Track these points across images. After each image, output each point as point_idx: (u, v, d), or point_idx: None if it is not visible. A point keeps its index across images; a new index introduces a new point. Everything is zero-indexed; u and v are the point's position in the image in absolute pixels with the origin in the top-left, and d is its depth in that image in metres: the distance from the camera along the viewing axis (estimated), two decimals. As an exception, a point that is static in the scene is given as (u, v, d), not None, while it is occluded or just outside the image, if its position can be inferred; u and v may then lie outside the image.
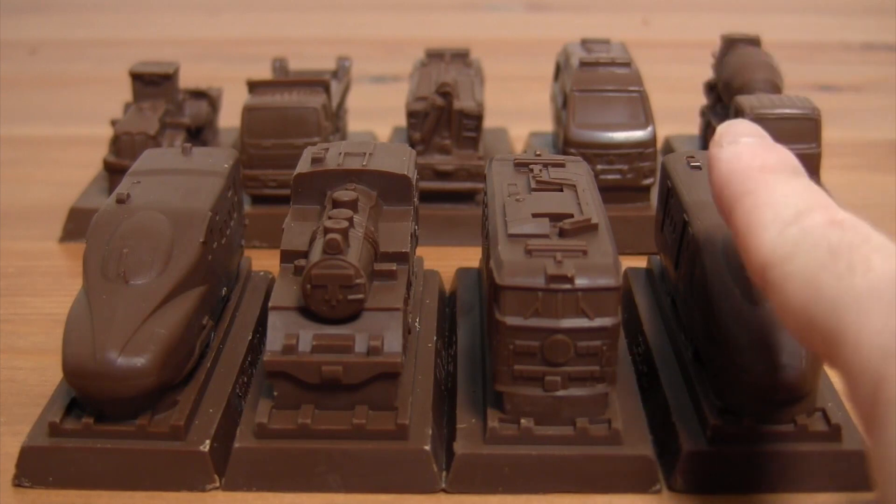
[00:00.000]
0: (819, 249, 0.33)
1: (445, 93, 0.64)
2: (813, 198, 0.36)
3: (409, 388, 0.44)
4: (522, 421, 0.41)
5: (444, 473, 0.42)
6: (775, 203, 0.35)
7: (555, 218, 0.42)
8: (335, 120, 0.67)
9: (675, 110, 0.74)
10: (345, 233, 0.41)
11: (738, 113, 0.62)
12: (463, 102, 0.64)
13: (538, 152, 0.49)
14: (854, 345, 0.30)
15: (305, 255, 0.43)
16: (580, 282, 0.39)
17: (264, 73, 0.72)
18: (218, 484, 0.42)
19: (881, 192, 0.73)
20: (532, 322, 0.40)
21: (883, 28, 1.18)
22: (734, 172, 0.38)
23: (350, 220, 0.42)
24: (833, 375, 0.46)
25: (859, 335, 0.30)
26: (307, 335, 0.41)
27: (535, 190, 0.45)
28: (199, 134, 0.71)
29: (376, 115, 0.81)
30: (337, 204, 0.44)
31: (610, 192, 0.58)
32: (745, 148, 0.38)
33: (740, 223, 0.36)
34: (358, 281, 0.40)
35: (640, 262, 0.56)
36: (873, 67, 1.05)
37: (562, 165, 0.48)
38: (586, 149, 0.62)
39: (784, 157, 0.38)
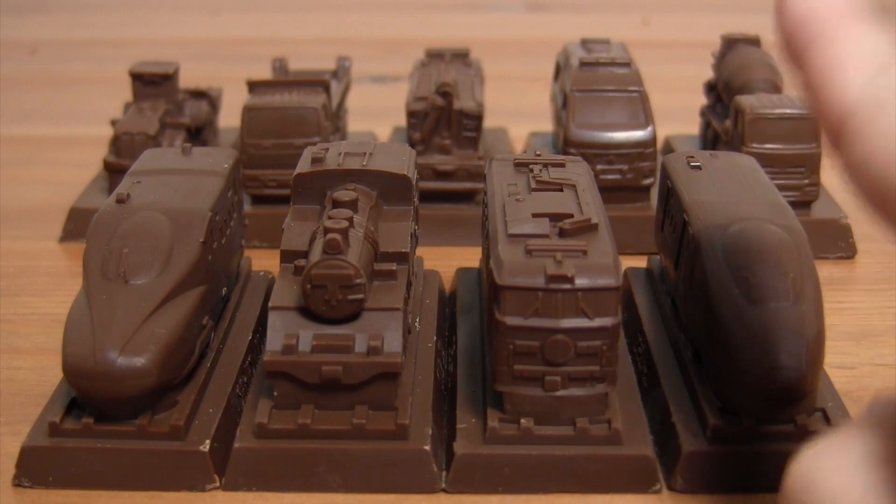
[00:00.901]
0: None
1: (445, 93, 0.64)
2: None
3: (409, 388, 0.44)
4: (522, 421, 0.41)
5: (444, 473, 0.42)
6: (861, 49, 0.32)
7: (555, 218, 0.42)
8: (335, 120, 0.67)
9: (675, 110, 0.74)
10: (345, 233, 0.41)
11: (738, 113, 0.62)
12: (463, 102, 0.64)
13: (538, 152, 0.49)
14: None
15: (305, 255, 0.43)
16: (580, 282, 0.39)
17: (264, 73, 0.72)
18: (218, 484, 0.42)
19: (881, 192, 0.72)
20: (532, 322, 0.40)
21: (883, 28, 1.18)
22: (811, 12, 0.33)
23: (350, 220, 0.42)
24: (833, 375, 0.46)
25: None
26: (307, 335, 0.41)
27: (535, 190, 0.45)
28: (199, 134, 0.71)
29: (376, 115, 0.81)
30: (337, 204, 0.44)
31: (610, 192, 0.58)
32: None
33: (815, 67, 0.32)
34: (358, 281, 0.40)
35: (640, 262, 0.56)
36: (873, 67, 1.05)
37: (562, 165, 0.48)
38: (586, 149, 0.62)
39: (866, 5, 0.34)
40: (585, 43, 0.71)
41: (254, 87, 0.65)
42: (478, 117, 0.65)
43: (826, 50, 0.33)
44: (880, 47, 0.32)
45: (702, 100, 0.73)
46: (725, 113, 0.68)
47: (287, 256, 0.44)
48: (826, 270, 0.54)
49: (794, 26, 0.34)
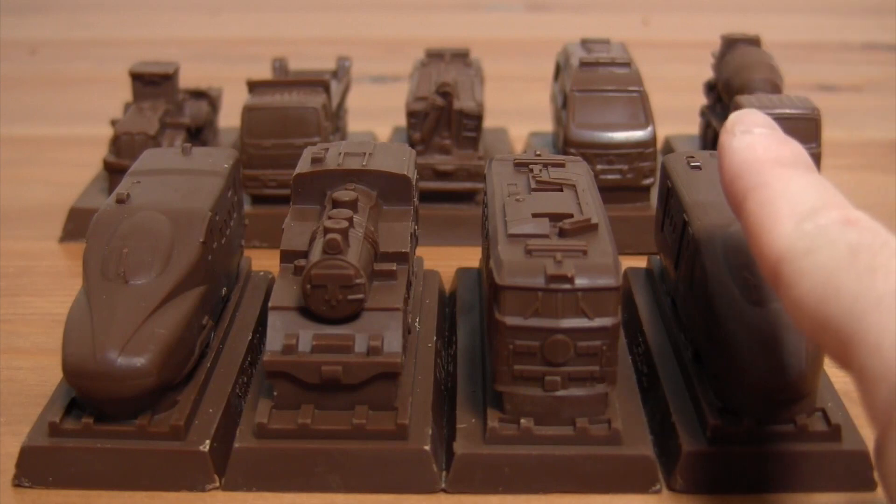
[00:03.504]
0: (837, 247, 0.32)
1: (445, 93, 0.64)
2: (827, 194, 0.35)
3: (409, 388, 0.44)
4: (522, 421, 0.41)
5: (444, 473, 0.42)
6: (790, 197, 0.35)
7: (555, 218, 0.42)
8: (335, 120, 0.67)
9: (675, 110, 0.74)
10: (345, 233, 0.41)
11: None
12: (463, 102, 0.64)
13: (538, 152, 0.49)
14: (874, 347, 0.30)
15: (305, 255, 0.43)
16: (580, 282, 0.39)
17: (264, 73, 0.72)
18: (218, 484, 0.42)
19: (881, 192, 0.73)
20: (532, 322, 0.40)
21: (883, 28, 1.18)
22: (747, 163, 0.37)
23: (350, 220, 0.42)
24: (833, 375, 0.46)
25: (881, 339, 0.30)
26: (307, 335, 0.41)
27: (534, 190, 0.45)
28: (199, 134, 0.71)
29: (376, 115, 0.81)
30: (337, 204, 0.44)
31: (610, 192, 0.58)
32: (758, 139, 0.38)
33: (752, 215, 0.36)
34: (358, 281, 0.40)
35: (640, 262, 0.56)
36: (873, 67, 1.05)
37: (562, 165, 0.48)
38: (586, 149, 0.62)
39: (797, 151, 0.38)
40: (585, 43, 0.71)
41: (254, 87, 0.65)
42: (478, 117, 0.65)
43: (760, 198, 0.36)
44: (809, 191, 0.35)
45: (702, 100, 0.73)
46: (725, 113, 0.68)
47: (287, 256, 0.44)
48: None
49: (733, 176, 0.38)
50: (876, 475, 0.41)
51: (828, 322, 0.32)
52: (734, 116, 0.39)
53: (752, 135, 0.38)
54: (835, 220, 0.33)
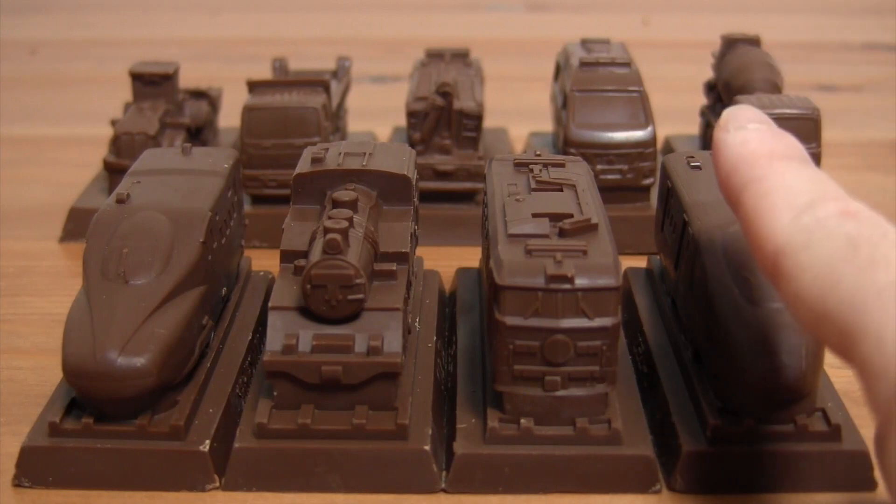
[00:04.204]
0: (836, 240, 0.32)
1: (445, 93, 0.64)
2: (824, 186, 0.35)
3: (409, 388, 0.44)
4: (522, 421, 0.41)
5: (444, 473, 0.42)
6: (787, 190, 0.35)
7: (555, 218, 0.42)
8: (335, 120, 0.67)
9: (675, 110, 0.74)
10: (345, 233, 0.41)
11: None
12: (463, 102, 0.64)
13: (538, 152, 0.49)
14: (876, 341, 0.30)
15: (305, 255, 0.43)
16: (580, 282, 0.39)
17: (264, 73, 0.72)
18: (218, 484, 0.42)
19: (881, 192, 0.73)
20: (532, 322, 0.40)
21: (883, 28, 1.18)
22: (742, 158, 0.37)
23: (350, 220, 0.42)
24: (833, 375, 0.46)
25: (883, 331, 0.30)
26: (307, 335, 0.41)
27: (534, 190, 0.45)
28: (199, 134, 0.71)
29: (376, 115, 0.81)
30: (337, 204, 0.44)
31: (610, 192, 0.58)
32: (753, 133, 0.38)
33: (749, 209, 0.36)
34: (358, 281, 0.40)
35: (640, 262, 0.56)
36: (873, 67, 1.05)
37: (562, 165, 0.48)
38: (586, 149, 0.62)
39: (792, 144, 0.37)
40: (585, 43, 0.71)
41: (254, 87, 0.65)
42: (478, 117, 0.65)
43: (757, 192, 0.35)
44: (805, 184, 0.35)
45: (702, 100, 0.73)
46: (725, 113, 0.68)
47: (287, 256, 0.44)
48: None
49: (728, 171, 0.37)
50: (876, 473, 0.41)
51: (828, 315, 0.31)
52: (727, 113, 0.39)
53: (747, 130, 0.38)
54: (833, 212, 0.33)
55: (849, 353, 0.31)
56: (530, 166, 0.48)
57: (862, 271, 0.31)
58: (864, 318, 0.30)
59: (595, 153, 0.62)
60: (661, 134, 0.68)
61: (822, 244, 0.32)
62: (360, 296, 0.41)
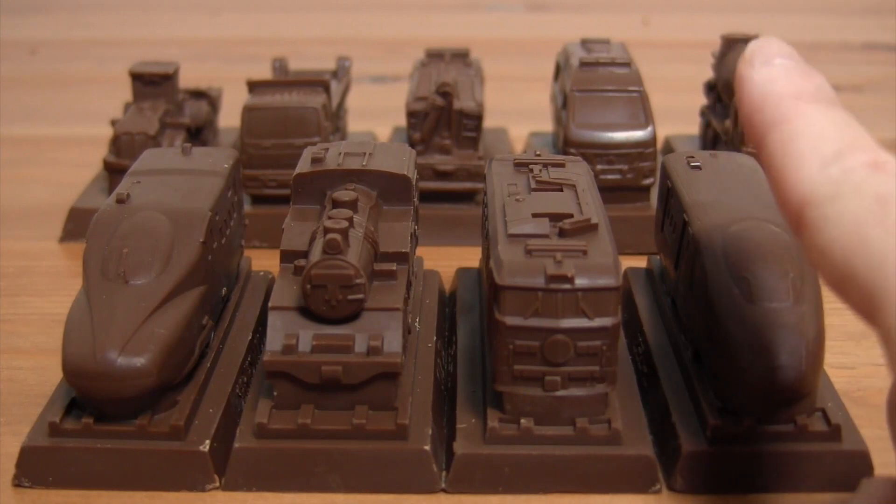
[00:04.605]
0: (864, 196, 0.31)
1: (445, 93, 0.64)
2: (853, 134, 0.33)
3: (409, 388, 0.44)
4: (522, 421, 0.41)
5: (444, 473, 0.42)
6: (814, 136, 0.33)
7: (555, 218, 0.42)
8: (335, 120, 0.67)
9: (675, 110, 0.74)
10: (345, 233, 0.41)
11: (739, 113, 0.62)
12: (463, 102, 0.64)
13: (538, 152, 0.49)
14: None
15: (305, 255, 0.43)
16: (580, 282, 0.39)
17: (264, 73, 0.72)
18: (218, 484, 0.42)
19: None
20: (532, 322, 0.40)
21: (883, 28, 1.18)
22: (768, 97, 0.35)
23: (350, 220, 0.42)
24: (833, 375, 0.46)
25: None
26: (307, 335, 0.41)
27: (534, 190, 0.45)
28: (199, 134, 0.71)
29: (376, 115, 0.81)
30: (337, 204, 0.44)
31: (610, 192, 0.58)
32: (779, 71, 0.35)
33: (774, 154, 0.34)
34: (358, 281, 0.40)
35: (640, 262, 0.56)
36: (873, 67, 1.05)
37: (562, 165, 0.48)
38: (586, 149, 0.62)
39: (821, 84, 0.35)
40: (585, 43, 0.71)
41: (254, 87, 0.65)
42: (478, 117, 0.65)
43: (781, 136, 0.33)
44: (834, 130, 0.33)
45: (702, 100, 0.73)
46: (725, 113, 0.68)
47: (287, 256, 0.44)
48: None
49: (752, 110, 0.35)
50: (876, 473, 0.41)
51: (854, 275, 0.30)
52: (753, 45, 0.37)
53: (773, 66, 0.35)
54: (861, 163, 0.32)
55: (872, 316, 0.30)
56: (530, 166, 0.48)
57: (889, 233, 0.30)
58: (891, 282, 0.29)
59: (595, 153, 0.62)
60: (661, 134, 0.68)
61: (850, 199, 0.31)
62: (360, 296, 0.41)
